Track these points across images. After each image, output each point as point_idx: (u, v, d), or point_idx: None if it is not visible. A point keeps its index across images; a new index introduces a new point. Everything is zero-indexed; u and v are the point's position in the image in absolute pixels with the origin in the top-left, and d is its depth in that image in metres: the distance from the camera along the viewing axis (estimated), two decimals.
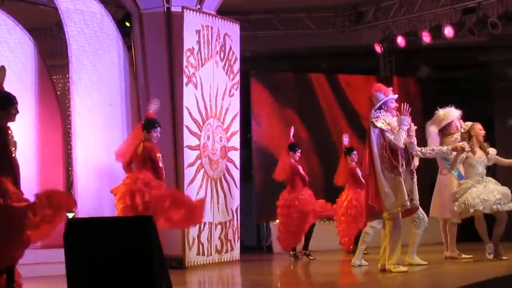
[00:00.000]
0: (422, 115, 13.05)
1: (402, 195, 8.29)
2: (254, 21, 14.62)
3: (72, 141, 10.02)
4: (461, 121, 10.04)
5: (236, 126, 11.10)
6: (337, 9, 14.76)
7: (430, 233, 10.17)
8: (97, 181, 9.86)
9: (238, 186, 11.08)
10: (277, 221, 12.48)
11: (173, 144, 10.85)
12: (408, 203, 8.35)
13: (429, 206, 10.23)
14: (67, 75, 10.62)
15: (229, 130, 10.97)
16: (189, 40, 10.21)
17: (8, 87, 6.85)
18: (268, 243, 13.23)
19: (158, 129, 9.36)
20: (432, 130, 10.14)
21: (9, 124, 6.72)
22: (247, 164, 12.88)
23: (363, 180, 9.67)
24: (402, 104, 8.47)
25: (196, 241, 10.16)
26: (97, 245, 5.63)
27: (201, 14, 10.47)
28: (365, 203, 8.61)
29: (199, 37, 10.38)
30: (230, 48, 11.03)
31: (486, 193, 9.33)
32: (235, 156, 11.10)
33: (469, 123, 9.73)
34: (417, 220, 9.19)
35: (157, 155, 9.17)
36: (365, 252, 9.73)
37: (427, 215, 9.59)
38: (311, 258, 11.11)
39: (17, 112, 6.77)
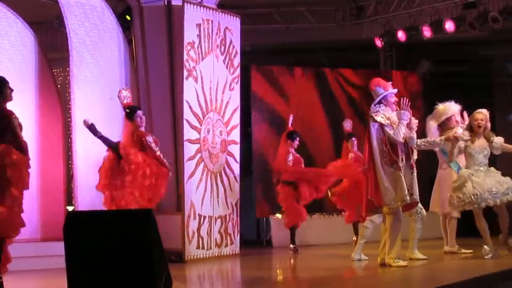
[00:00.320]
0: (423, 110, 13.06)
1: (402, 190, 8.30)
2: (255, 14, 14.61)
3: (72, 134, 10.03)
4: (465, 114, 10.00)
5: (236, 120, 11.10)
6: (338, 3, 14.75)
7: (430, 227, 10.18)
8: (97, 175, 9.85)
9: (238, 180, 11.09)
10: (277, 215, 12.51)
11: (173, 138, 10.87)
12: (408, 198, 8.36)
13: (428, 201, 10.23)
14: (68, 69, 10.62)
15: (229, 124, 10.96)
16: (190, 33, 10.19)
17: (8, 80, 6.85)
18: (268, 237, 13.22)
19: (140, 112, 9.24)
20: (432, 124, 10.11)
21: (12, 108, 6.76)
22: (247, 158, 12.87)
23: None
24: (402, 99, 8.47)
25: (196, 234, 10.17)
26: (96, 238, 5.63)
27: (201, 7, 10.46)
28: (364, 197, 8.61)
29: (199, 31, 10.37)
30: (231, 42, 11.02)
31: (491, 184, 9.19)
32: (235, 150, 11.10)
33: None
34: (415, 214, 9.19)
35: (146, 138, 9.09)
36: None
37: (427, 210, 9.58)
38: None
39: (11, 90, 6.78)
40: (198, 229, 10.22)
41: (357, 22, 14.85)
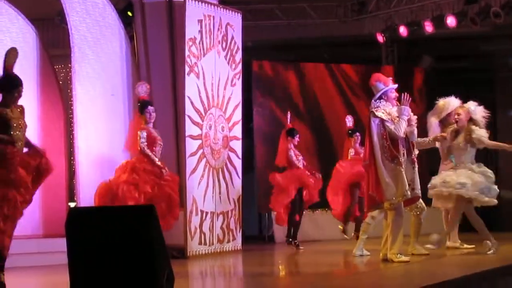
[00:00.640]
0: (424, 105, 13.06)
1: (403, 185, 8.30)
2: (256, 10, 14.61)
3: (74, 130, 10.03)
4: None
5: (238, 115, 11.11)
6: None
7: (432, 222, 10.17)
8: (99, 171, 9.88)
9: (240, 176, 11.10)
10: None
11: (175, 134, 10.89)
12: (409, 193, 8.37)
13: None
14: (69, 65, 10.62)
15: (231, 120, 10.97)
16: (191, 29, 10.20)
17: None
18: (269, 233, 13.23)
19: (151, 108, 9.47)
20: (433, 121, 10.11)
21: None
22: (249, 154, 12.88)
23: None
24: (402, 94, 8.47)
25: (198, 230, 10.18)
26: (98, 234, 5.63)
27: (203, 3, 10.45)
28: (366, 193, 8.61)
29: (201, 27, 10.37)
30: (232, 38, 11.02)
31: (452, 176, 9.19)
32: (237, 145, 11.11)
33: None
34: (416, 209, 9.18)
35: (140, 135, 9.42)
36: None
37: (428, 205, 9.58)
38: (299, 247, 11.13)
39: (19, 96, 6.80)
40: (200, 225, 10.23)
41: (358, 18, 14.84)
